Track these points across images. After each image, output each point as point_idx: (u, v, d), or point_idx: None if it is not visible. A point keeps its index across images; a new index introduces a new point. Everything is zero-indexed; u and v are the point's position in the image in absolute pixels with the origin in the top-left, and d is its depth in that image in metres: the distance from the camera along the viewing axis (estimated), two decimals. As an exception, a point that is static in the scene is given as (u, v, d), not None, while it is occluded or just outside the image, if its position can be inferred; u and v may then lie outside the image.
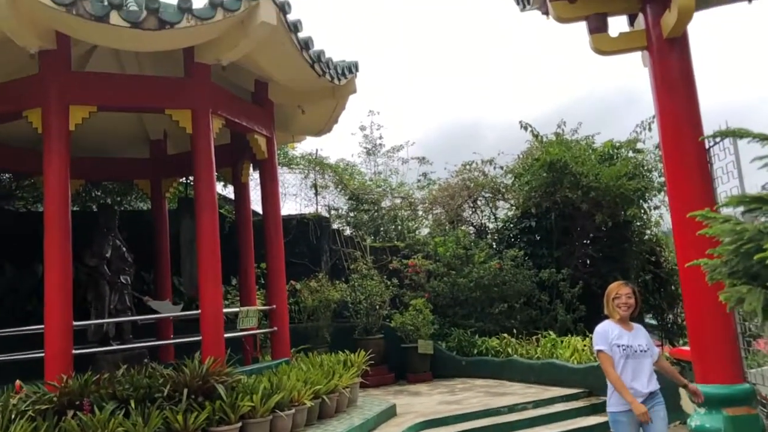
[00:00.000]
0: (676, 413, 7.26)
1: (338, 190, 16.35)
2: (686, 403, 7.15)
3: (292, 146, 14.43)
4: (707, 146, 6.87)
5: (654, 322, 14.99)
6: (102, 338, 7.67)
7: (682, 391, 7.38)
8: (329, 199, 16.39)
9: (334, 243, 13.65)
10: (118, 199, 12.53)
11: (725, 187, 6.73)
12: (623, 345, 4.49)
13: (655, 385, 4.48)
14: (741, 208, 3.36)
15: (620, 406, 4.45)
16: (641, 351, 4.48)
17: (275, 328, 8.34)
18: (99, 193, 12.25)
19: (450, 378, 10.80)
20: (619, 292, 4.69)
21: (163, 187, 10.27)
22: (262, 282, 10.52)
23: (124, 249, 8.37)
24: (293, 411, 6.24)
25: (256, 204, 10.67)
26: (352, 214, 16.04)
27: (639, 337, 4.59)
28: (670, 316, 15.03)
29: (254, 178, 12.09)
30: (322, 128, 10.14)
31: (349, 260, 13.02)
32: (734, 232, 2.58)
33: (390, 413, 7.61)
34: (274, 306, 8.45)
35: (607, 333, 4.58)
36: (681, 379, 4.59)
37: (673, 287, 14.76)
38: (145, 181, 10.29)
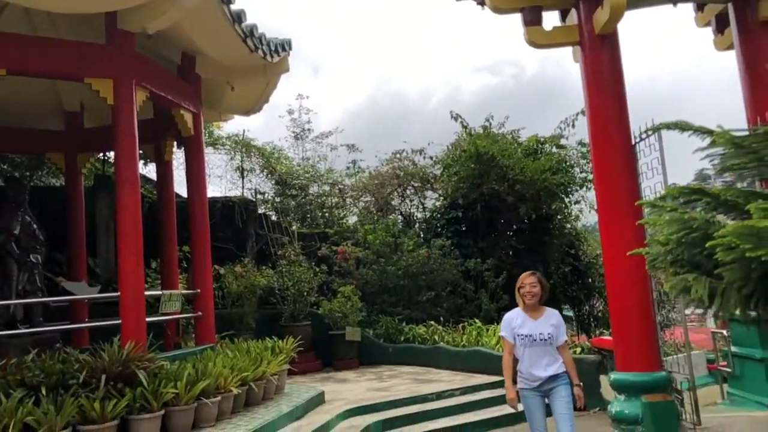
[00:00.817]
0: (596, 400, 7.53)
1: (265, 174, 15.97)
2: (606, 390, 7.43)
3: (219, 125, 13.95)
4: (634, 142, 7.12)
5: (570, 313, 15.55)
6: (9, 321, 7.07)
7: (602, 378, 7.69)
8: (255, 182, 15.99)
9: (260, 228, 13.31)
10: (28, 173, 11.66)
11: (649, 183, 6.98)
12: (522, 335, 4.72)
13: (555, 370, 4.66)
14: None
15: (524, 384, 4.76)
16: (541, 340, 4.66)
17: (200, 313, 7.99)
18: (5, 167, 11.36)
19: (377, 365, 10.78)
20: (524, 282, 4.87)
21: (79, 163, 9.60)
22: (184, 266, 10.12)
23: (35, 226, 7.76)
24: (219, 398, 5.98)
25: (177, 186, 10.21)
26: (278, 199, 15.71)
27: (543, 325, 4.74)
28: (586, 307, 15.65)
29: (177, 158, 11.60)
30: (251, 107, 9.80)
31: (276, 246, 12.73)
32: (682, 221, 2.61)
33: (318, 400, 7.48)
34: (199, 290, 8.09)
35: (511, 321, 4.85)
36: (574, 377, 4.71)
37: (590, 280, 15.36)
38: (59, 155, 9.56)
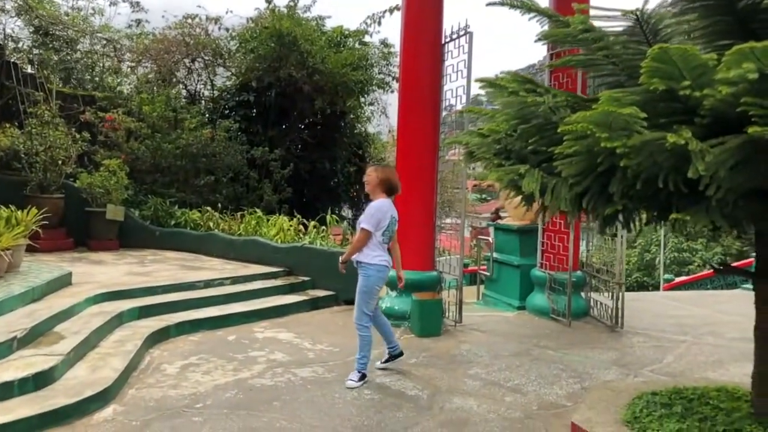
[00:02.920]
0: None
1: (21, 17, 13.08)
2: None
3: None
4: (444, 41, 6.91)
5: (348, 213, 15.77)
6: None
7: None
8: (8, 25, 13.04)
9: (8, 79, 10.99)
10: None
11: (452, 85, 6.88)
12: None
13: (356, 257, 4.94)
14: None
15: None
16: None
17: None
18: None
19: (141, 248, 9.79)
20: None
21: None
22: None
23: None
24: None
25: None
26: (37, 51, 13.08)
27: None
28: (364, 207, 15.95)
29: None
30: None
31: (27, 102, 10.63)
32: (524, 104, 2.30)
33: (64, 282, 6.43)
34: None
35: None
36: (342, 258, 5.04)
37: (371, 181, 15.60)
38: None
